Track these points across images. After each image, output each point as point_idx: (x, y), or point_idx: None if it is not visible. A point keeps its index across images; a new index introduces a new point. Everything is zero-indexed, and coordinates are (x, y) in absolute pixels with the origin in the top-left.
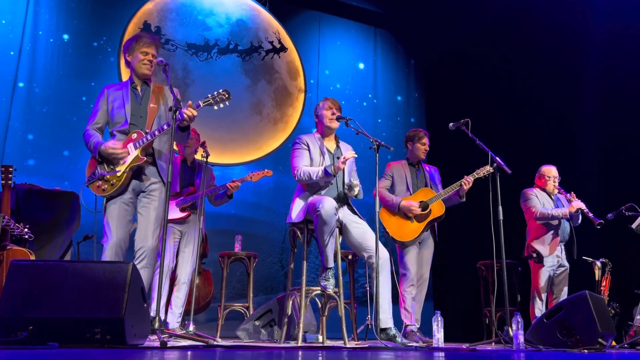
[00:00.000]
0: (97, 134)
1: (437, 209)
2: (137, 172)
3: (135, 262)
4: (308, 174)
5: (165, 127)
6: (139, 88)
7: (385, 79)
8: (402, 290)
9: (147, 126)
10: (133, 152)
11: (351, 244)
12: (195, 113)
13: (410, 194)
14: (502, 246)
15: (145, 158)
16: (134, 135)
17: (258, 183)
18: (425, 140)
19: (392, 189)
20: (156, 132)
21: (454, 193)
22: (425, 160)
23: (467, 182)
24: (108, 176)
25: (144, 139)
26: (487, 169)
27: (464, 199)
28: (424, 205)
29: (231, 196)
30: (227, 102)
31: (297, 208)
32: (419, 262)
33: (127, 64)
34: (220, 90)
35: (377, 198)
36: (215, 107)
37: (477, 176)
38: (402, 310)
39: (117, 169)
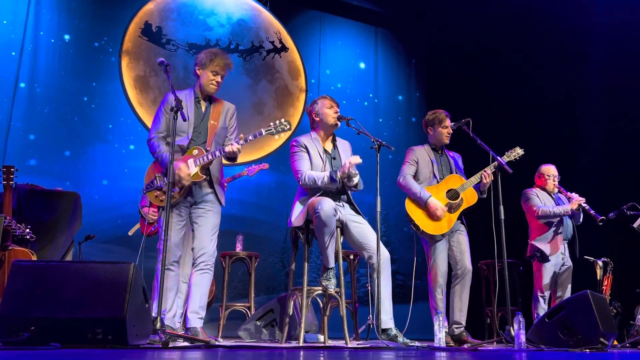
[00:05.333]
0: (164, 145)
1: (470, 197)
2: (193, 187)
3: (196, 269)
4: (313, 180)
5: (217, 153)
6: (202, 104)
7: (386, 79)
8: (433, 292)
9: (208, 144)
10: (193, 169)
11: (352, 244)
12: (238, 148)
13: (438, 182)
14: (503, 246)
15: (205, 176)
16: (195, 152)
17: (259, 183)
18: (447, 122)
19: (416, 176)
20: (217, 153)
21: (475, 187)
22: (447, 144)
23: (487, 174)
24: (164, 189)
25: (205, 158)
26: (517, 151)
27: (485, 195)
28: (455, 194)
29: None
30: (288, 132)
31: (298, 211)
32: (457, 251)
33: (196, 75)
34: (283, 120)
35: (379, 198)
36: (277, 137)
37: (508, 159)
38: (437, 317)
39: (177, 185)
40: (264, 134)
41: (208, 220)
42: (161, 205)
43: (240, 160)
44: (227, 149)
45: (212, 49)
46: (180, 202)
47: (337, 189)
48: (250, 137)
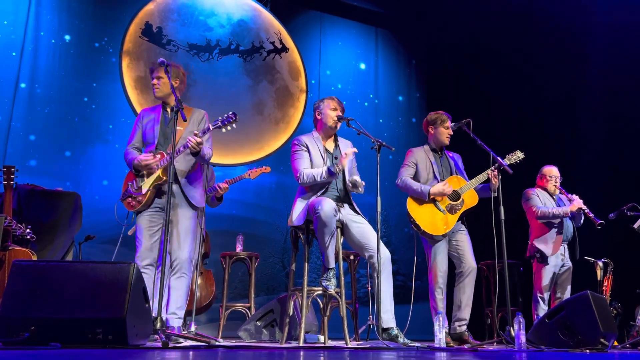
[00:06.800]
0: (135, 152)
1: (470, 199)
2: (160, 191)
3: (172, 273)
4: (312, 177)
5: (182, 149)
6: (168, 110)
7: (386, 79)
8: (433, 293)
9: (170, 148)
10: (155, 172)
11: (352, 244)
12: (199, 140)
13: (438, 182)
14: (503, 246)
15: (165, 178)
16: (158, 156)
17: (259, 183)
18: (449, 123)
19: (416, 177)
20: (182, 149)
21: (486, 187)
22: (447, 146)
23: (495, 174)
24: (134, 195)
25: (165, 160)
26: (518, 154)
27: (496, 193)
28: (456, 195)
29: (220, 199)
30: (234, 125)
31: (298, 211)
32: (459, 249)
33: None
34: (230, 113)
35: (379, 198)
36: (224, 130)
37: (509, 162)
38: (437, 318)
39: (143, 188)
40: (212, 129)
41: (180, 227)
42: (132, 211)
43: (240, 160)
44: (189, 144)
45: None
46: (151, 207)
47: (339, 196)
48: (200, 134)
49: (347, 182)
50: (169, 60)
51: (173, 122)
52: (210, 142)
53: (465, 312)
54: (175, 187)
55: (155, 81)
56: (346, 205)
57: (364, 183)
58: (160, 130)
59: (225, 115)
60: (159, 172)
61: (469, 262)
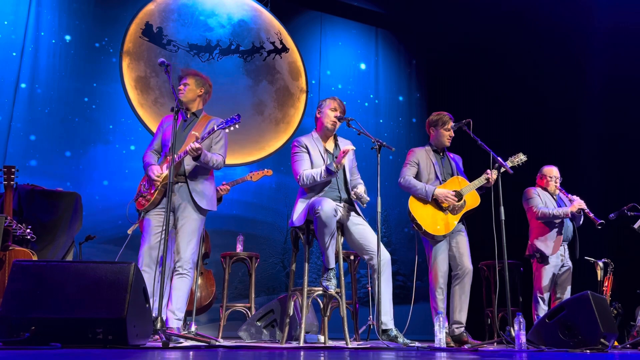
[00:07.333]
0: (154, 156)
1: (472, 200)
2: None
3: (175, 273)
4: (312, 178)
5: (182, 154)
6: (188, 115)
7: (386, 79)
8: (434, 293)
9: (182, 150)
10: (164, 173)
11: (352, 245)
12: (196, 147)
13: (441, 183)
14: (503, 246)
15: (175, 179)
16: (169, 158)
17: (259, 184)
18: (450, 125)
19: (418, 177)
20: (182, 155)
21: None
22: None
23: (492, 178)
24: (144, 194)
25: (169, 164)
26: (521, 157)
27: (483, 191)
28: (458, 196)
29: (220, 199)
30: (237, 126)
31: (299, 211)
32: (456, 252)
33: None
34: (235, 115)
35: (379, 198)
36: (227, 130)
37: (512, 164)
38: (437, 318)
39: (152, 187)
40: (216, 129)
41: (184, 228)
42: (142, 209)
43: (240, 160)
44: (187, 149)
45: None
46: (158, 207)
47: (340, 197)
48: (205, 135)
49: (352, 193)
50: (194, 71)
51: (174, 123)
52: (225, 149)
53: (462, 316)
54: (184, 187)
55: (181, 87)
56: (347, 206)
57: (368, 199)
58: (176, 135)
59: (230, 117)
60: (166, 173)
61: (466, 264)
